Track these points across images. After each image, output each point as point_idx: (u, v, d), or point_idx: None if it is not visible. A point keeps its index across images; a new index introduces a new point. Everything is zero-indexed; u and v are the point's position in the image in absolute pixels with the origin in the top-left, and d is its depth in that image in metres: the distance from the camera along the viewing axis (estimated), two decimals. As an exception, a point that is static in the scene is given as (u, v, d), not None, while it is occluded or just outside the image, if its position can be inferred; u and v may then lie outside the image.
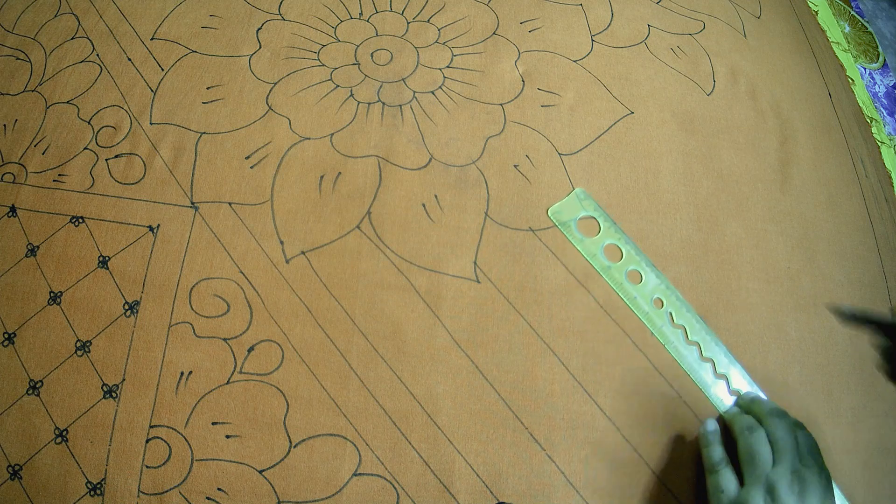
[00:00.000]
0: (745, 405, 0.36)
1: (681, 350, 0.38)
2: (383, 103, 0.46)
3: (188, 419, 0.36)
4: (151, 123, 0.45)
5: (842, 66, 0.57)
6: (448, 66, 0.48)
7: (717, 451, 0.34)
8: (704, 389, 0.38)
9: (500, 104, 0.46)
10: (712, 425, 0.35)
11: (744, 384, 0.39)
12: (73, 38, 0.49)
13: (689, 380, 0.38)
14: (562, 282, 0.40)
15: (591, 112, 0.47)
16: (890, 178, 0.51)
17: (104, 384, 0.37)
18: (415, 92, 0.46)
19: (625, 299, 0.38)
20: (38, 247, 0.40)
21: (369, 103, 0.46)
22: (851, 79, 0.56)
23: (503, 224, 0.42)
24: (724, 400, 0.38)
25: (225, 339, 0.38)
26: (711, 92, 0.50)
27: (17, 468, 0.36)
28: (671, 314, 0.38)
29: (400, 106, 0.46)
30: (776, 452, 0.32)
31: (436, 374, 0.38)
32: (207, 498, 0.35)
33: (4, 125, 0.45)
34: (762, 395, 0.39)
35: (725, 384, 0.38)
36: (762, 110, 0.49)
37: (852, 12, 0.66)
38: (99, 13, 0.51)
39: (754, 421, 0.34)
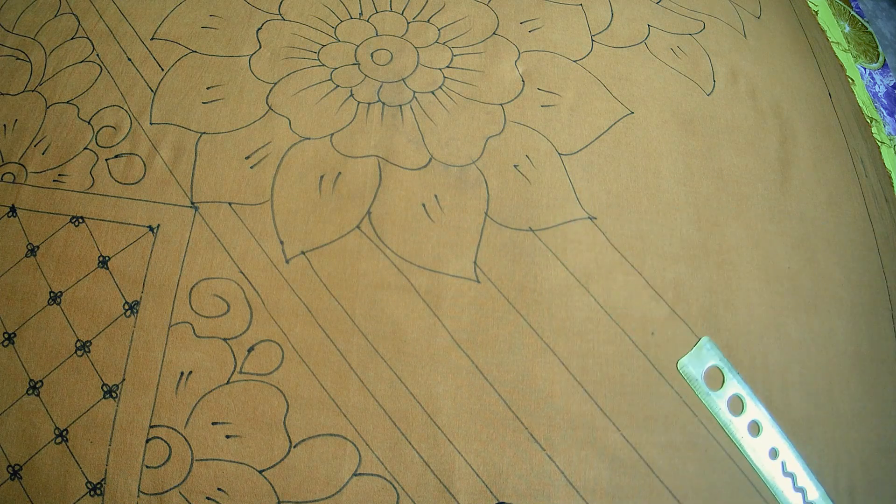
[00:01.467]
0: None
1: (789, 496, 0.38)
2: (383, 103, 0.46)
3: (188, 419, 0.36)
4: (151, 123, 0.45)
5: (842, 66, 0.57)
6: (448, 66, 0.48)
7: None
8: None
9: (500, 104, 0.46)
10: None
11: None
12: (73, 38, 0.49)
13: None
14: (562, 282, 0.40)
15: (591, 112, 0.47)
16: (890, 178, 0.51)
17: (104, 384, 0.37)
18: (415, 92, 0.46)
19: (747, 455, 0.38)
20: (38, 247, 0.40)
21: (369, 103, 0.46)
22: (851, 79, 0.56)
23: (503, 224, 0.42)
24: None
25: (225, 339, 0.38)
26: (711, 92, 0.50)
27: (17, 468, 0.36)
28: (784, 463, 0.38)
29: (400, 106, 0.46)
30: None
31: (436, 374, 0.38)
32: (207, 498, 0.35)
33: (4, 125, 0.45)
34: None
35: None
36: (762, 110, 0.49)
37: (852, 12, 0.66)
38: (99, 13, 0.51)
39: None
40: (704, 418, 0.38)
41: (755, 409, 0.40)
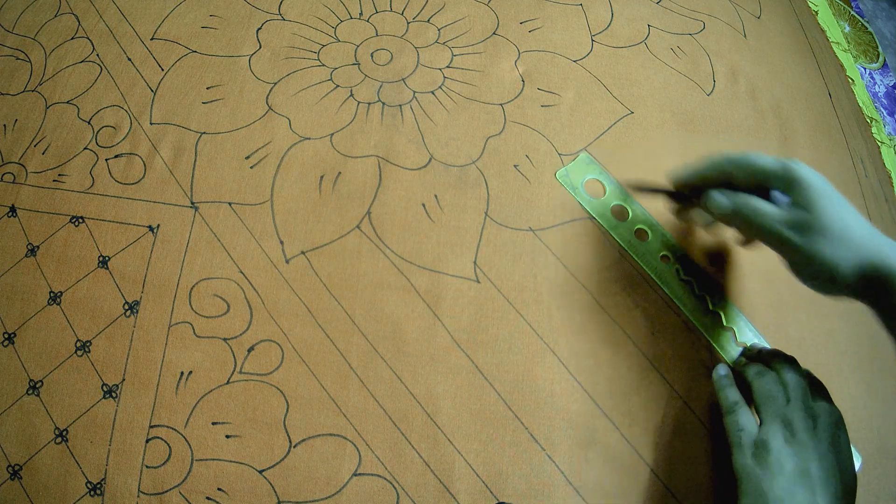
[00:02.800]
0: (753, 354, 0.38)
1: (688, 303, 0.39)
2: (383, 103, 0.46)
3: (188, 419, 0.36)
4: (151, 123, 0.45)
5: (842, 66, 0.57)
6: (448, 66, 0.48)
7: (732, 393, 0.36)
8: (713, 340, 0.39)
9: (500, 104, 0.46)
10: (724, 370, 0.37)
11: (749, 336, 0.40)
12: (73, 38, 0.49)
13: (695, 335, 0.39)
14: (562, 282, 0.40)
15: (591, 112, 0.47)
16: (890, 178, 0.51)
17: (104, 384, 0.37)
18: (415, 92, 0.46)
19: (634, 256, 0.39)
20: (38, 247, 0.40)
21: (369, 103, 0.46)
22: (851, 79, 0.56)
23: (503, 224, 0.42)
24: (731, 350, 0.39)
25: (225, 339, 0.38)
26: (711, 92, 0.50)
27: (17, 468, 0.36)
28: (678, 269, 0.39)
29: (400, 106, 0.46)
30: (788, 392, 0.34)
31: (436, 374, 0.38)
32: (207, 498, 0.35)
33: (4, 125, 0.45)
34: (767, 345, 0.40)
35: (732, 336, 0.39)
36: (762, 110, 0.49)
37: (852, 12, 0.66)
38: (99, 13, 0.51)
39: (764, 367, 0.36)
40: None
41: (641, 215, 0.41)
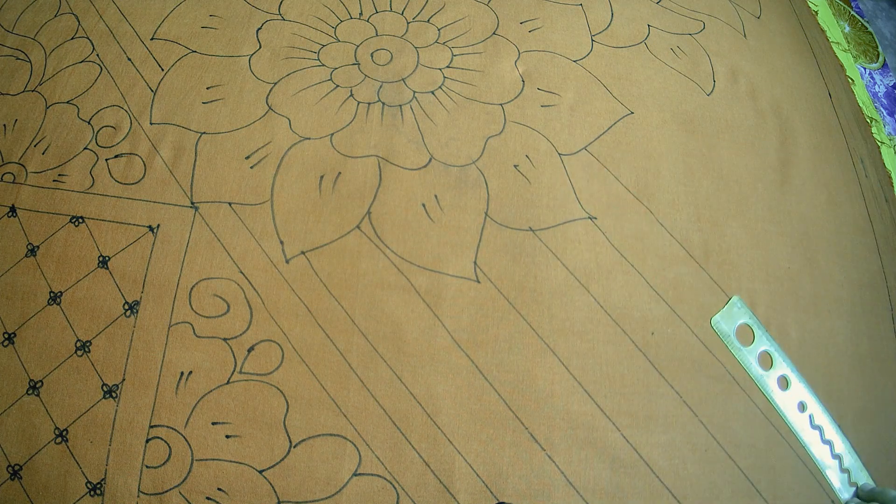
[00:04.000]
0: (866, 495, 0.39)
1: (814, 451, 0.40)
2: (383, 103, 0.46)
3: (188, 419, 0.36)
4: (151, 123, 0.45)
5: (842, 66, 0.57)
6: (448, 66, 0.48)
7: None
8: (832, 486, 0.40)
9: (500, 104, 0.46)
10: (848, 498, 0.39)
11: (860, 476, 0.40)
12: (73, 38, 0.49)
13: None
14: (562, 282, 0.40)
15: (591, 112, 0.47)
16: (890, 178, 0.51)
17: (104, 384, 0.37)
18: (415, 92, 0.46)
19: (775, 404, 0.40)
20: (38, 247, 0.40)
21: (369, 103, 0.46)
22: (851, 79, 0.56)
23: (503, 224, 0.42)
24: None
25: (225, 339, 0.38)
26: (711, 92, 0.50)
27: (17, 468, 0.36)
28: (812, 416, 0.40)
29: (400, 106, 0.46)
30: None
31: (436, 374, 0.38)
32: (207, 498, 0.35)
33: (4, 125, 0.45)
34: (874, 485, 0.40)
35: (847, 477, 0.40)
36: (762, 110, 0.49)
37: (852, 12, 0.66)
38: (99, 13, 0.51)
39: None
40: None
41: (783, 365, 0.41)
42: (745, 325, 0.41)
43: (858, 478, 0.40)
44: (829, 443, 0.40)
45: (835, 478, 0.39)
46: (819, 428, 0.40)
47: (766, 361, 0.41)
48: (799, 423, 0.40)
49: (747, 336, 0.41)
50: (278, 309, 0.39)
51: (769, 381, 0.40)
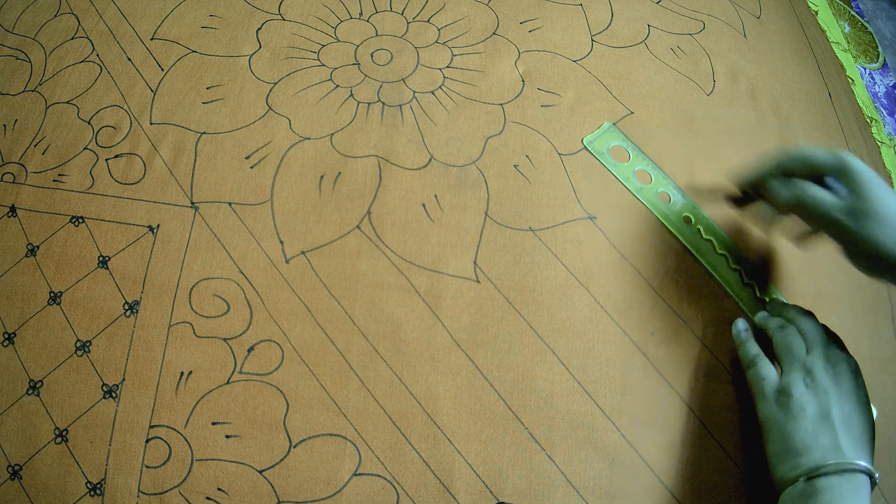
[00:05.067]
0: (774, 310, 0.40)
1: (712, 261, 0.41)
2: (383, 103, 0.46)
3: (188, 419, 0.36)
4: (151, 123, 0.45)
5: (842, 66, 0.57)
6: (448, 66, 0.48)
7: (752, 346, 0.38)
8: (735, 295, 0.41)
9: (500, 104, 0.46)
10: (743, 324, 0.39)
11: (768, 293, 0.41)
12: (73, 38, 0.49)
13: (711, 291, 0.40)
14: (562, 282, 0.40)
15: (591, 112, 0.47)
16: (890, 178, 0.51)
17: (104, 384, 0.37)
18: (415, 92, 0.46)
19: (659, 217, 0.41)
20: (38, 247, 0.40)
21: (369, 103, 0.46)
22: (851, 79, 0.56)
23: (503, 224, 0.42)
24: (752, 307, 0.41)
25: (225, 339, 0.38)
26: (711, 92, 0.50)
27: (17, 468, 0.36)
28: (700, 230, 0.41)
29: (400, 106, 0.46)
30: (808, 343, 0.36)
31: (436, 374, 0.38)
32: (207, 498, 0.35)
33: (4, 125, 0.45)
34: (785, 301, 0.41)
35: (753, 291, 0.41)
36: (762, 110, 0.49)
37: (852, 12, 0.66)
38: (99, 13, 0.51)
39: (784, 321, 0.38)
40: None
41: (663, 181, 0.42)
42: (619, 146, 0.42)
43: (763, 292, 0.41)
44: (723, 255, 0.41)
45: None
46: (709, 241, 0.41)
47: (645, 177, 0.42)
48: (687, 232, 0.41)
49: (622, 155, 0.43)
50: (278, 309, 0.39)
51: (651, 193, 0.41)
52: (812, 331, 0.36)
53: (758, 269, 0.41)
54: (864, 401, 0.34)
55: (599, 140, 0.42)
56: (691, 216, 0.41)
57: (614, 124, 0.42)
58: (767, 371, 0.36)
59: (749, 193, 0.40)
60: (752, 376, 0.36)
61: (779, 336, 0.37)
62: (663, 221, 0.41)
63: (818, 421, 0.33)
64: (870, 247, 0.33)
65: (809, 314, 0.38)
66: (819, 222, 0.35)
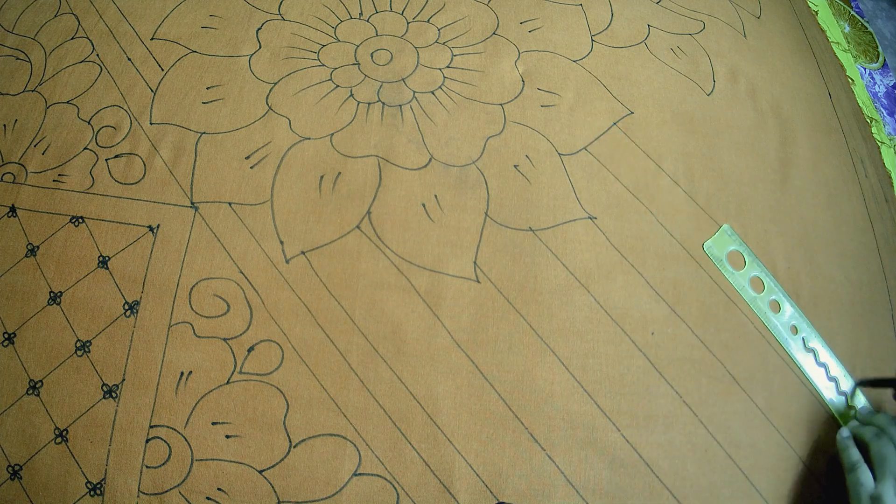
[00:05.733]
0: (865, 418, 0.41)
1: (811, 373, 0.41)
2: (383, 103, 0.46)
3: (188, 419, 0.36)
4: (151, 123, 0.45)
5: (842, 66, 0.57)
6: (448, 66, 0.48)
7: (854, 453, 0.39)
8: (831, 410, 0.41)
9: (500, 104, 0.46)
10: (846, 432, 0.40)
11: (861, 401, 0.42)
12: (73, 38, 0.49)
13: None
14: (562, 282, 0.40)
15: (591, 112, 0.47)
16: (890, 178, 0.51)
17: (104, 384, 0.37)
18: (415, 92, 0.46)
19: (768, 326, 0.42)
20: (38, 247, 0.40)
21: (369, 103, 0.46)
22: (851, 79, 0.56)
23: (503, 224, 0.42)
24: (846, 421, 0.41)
25: (225, 339, 0.38)
26: (711, 92, 0.50)
27: (17, 468, 0.36)
28: (804, 339, 0.42)
29: (400, 106, 0.46)
30: None
31: (436, 374, 0.38)
32: (207, 498, 0.35)
33: (4, 125, 0.45)
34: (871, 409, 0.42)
35: (845, 400, 0.42)
36: (762, 110, 0.49)
37: (852, 12, 0.66)
38: (99, 13, 0.51)
39: (879, 430, 0.39)
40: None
41: (774, 289, 0.43)
42: (736, 251, 0.43)
43: (857, 402, 0.42)
44: (823, 365, 0.42)
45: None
46: (813, 350, 0.42)
47: (758, 286, 0.43)
48: (800, 357, 0.42)
49: (738, 262, 0.43)
50: (278, 309, 0.39)
51: (762, 303, 0.42)
52: None
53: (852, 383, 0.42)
54: None
55: (718, 245, 0.43)
56: (797, 327, 0.42)
57: (731, 227, 0.43)
58: (866, 479, 0.38)
59: None
60: (852, 481, 0.38)
61: (875, 446, 0.38)
62: (771, 331, 0.41)
63: None
64: None
65: None
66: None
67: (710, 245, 0.42)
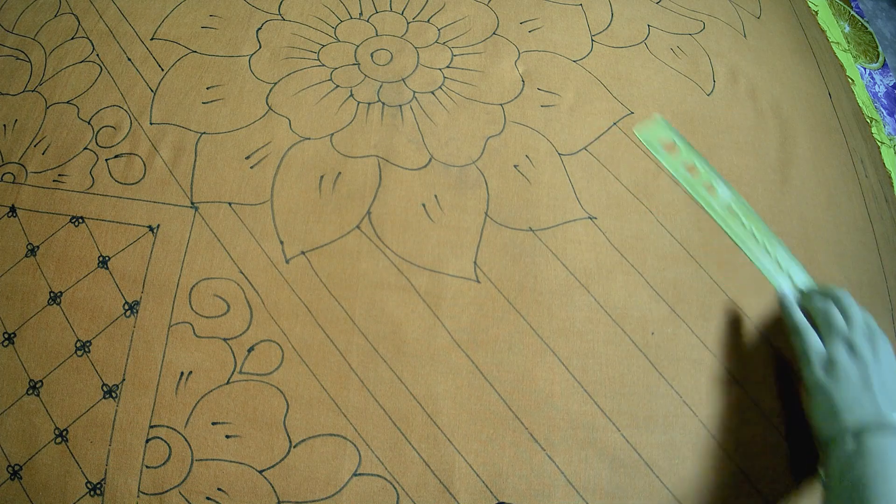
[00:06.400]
0: (812, 290, 0.42)
1: (751, 247, 0.43)
2: (383, 103, 0.46)
3: (188, 419, 0.36)
4: (151, 123, 0.45)
5: (842, 66, 0.57)
6: (448, 66, 0.48)
7: (799, 315, 0.40)
8: (772, 281, 0.43)
9: (500, 104, 0.46)
10: (790, 292, 0.42)
11: (803, 280, 0.43)
12: (73, 38, 0.49)
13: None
14: (562, 282, 0.40)
15: (591, 112, 0.47)
16: (890, 178, 0.51)
17: (104, 384, 0.37)
18: (415, 92, 0.46)
19: (706, 208, 0.43)
20: (38, 247, 0.40)
21: (369, 103, 0.46)
22: (851, 79, 0.56)
23: (503, 224, 0.42)
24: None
25: (225, 339, 0.38)
26: (711, 92, 0.50)
27: (17, 468, 0.36)
28: (742, 218, 0.43)
29: (400, 106, 0.46)
30: (846, 316, 0.38)
31: (436, 374, 0.38)
32: (207, 498, 0.35)
33: (4, 125, 0.45)
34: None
35: (789, 279, 0.43)
36: (762, 110, 0.49)
37: (852, 12, 0.66)
38: (99, 13, 0.51)
39: (824, 296, 0.40)
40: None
41: (709, 172, 0.45)
42: (669, 138, 0.45)
43: (799, 281, 0.43)
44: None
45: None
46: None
47: (693, 171, 0.45)
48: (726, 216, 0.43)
49: (672, 149, 0.45)
50: (278, 309, 0.39)
51: (699, 186, 0.44)
52: (850, 304, 0.39)
53: (794, 258, 0.44)
54: None
55: (651, 132, 0.44)
56: (734, 206, 0.43)
57: (664, 118, 0.44)
58: (815, 341, 0.38)
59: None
60: (799, 343, 0.38)
61: (821, 310, 0.39)
62: (710, 213, 0.43)
63: (860, 386, 0.35)
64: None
65: (846, 293, 0.40)
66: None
67: (642, 129, 0.44)
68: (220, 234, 0.41)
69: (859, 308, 0.39)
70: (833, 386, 0.36)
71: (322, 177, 0.43)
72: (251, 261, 0.40)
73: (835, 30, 0.60)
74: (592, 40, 0.51)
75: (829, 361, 0.37)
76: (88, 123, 0.45)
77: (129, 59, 0.48)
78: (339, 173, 0.43)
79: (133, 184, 0.42)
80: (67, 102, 0.46)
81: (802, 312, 0.40)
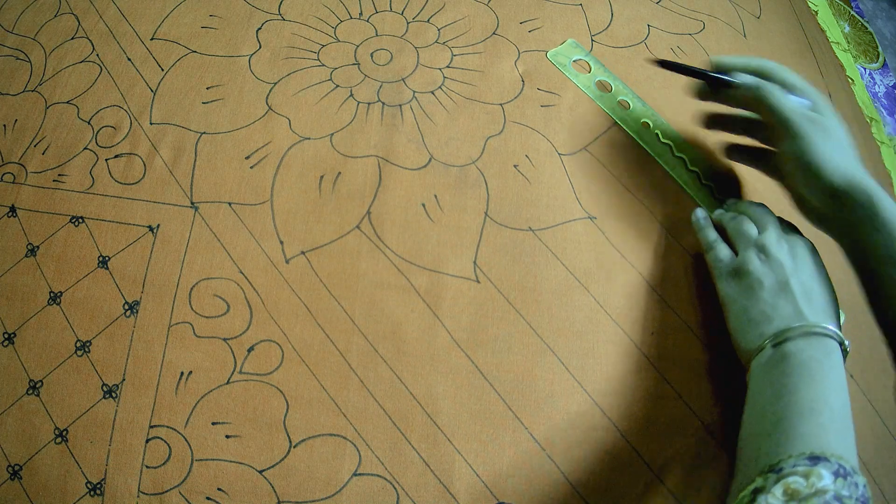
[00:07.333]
0: (730, 207, 0.41)
1: (670, 162, 0.44)
2: (383, 103, 0.46)
3: (188, 419, 0.36)
4: (151, 123, 0.45)
5: (842, 66, 0.57)
6: (448, 66, 0.48)
7: (711, 232, 0.40)
8: (694, 195, 0.43)
9: (500, 104, 0.46)
10: (702, 212, 0.41)
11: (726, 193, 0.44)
12: (73, 38, 0.49)
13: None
14: (562, 282, 0.41)
15: (591, 112, 0.47)
16: (890, 177, 0.51)
17: (104, 384, 0.37)
18: (415, 92, 0.46)
19: (617, 120, 0.44)
20: (38, 247, 0.40)
21: (369, 103, 0.46)
22: (851, 79, 0.56)
23: (503, 224, 0.42)
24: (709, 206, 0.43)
25: (225, 339, 0.38)
26: (711, 92, 0.49)
27: (17, 468, 0.36)
28: (658, 134, 0.43)
29: (400, 106, 0.46)
30: (760, 226, 0.37)
31: (436, 374, 0.38)
32: (207, 498, 0.35)
33: (4, 125, 0.45)
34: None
35: (711, 191, 0.44)
36: (762, 110, 0.49)
37: (852, 12, 0.66)
38: (99, 13, 0.51)
39: (735, 213, 0.40)
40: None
41: (622, 89, 0.46)
42: (582, 60, 0.46)
43: (721, 192, 0.44)
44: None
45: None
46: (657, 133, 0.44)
47: (606, 87, 0.46)
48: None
49: (584, 68, 0.47)
50: (278, 309, 0.39)
51: (612, 101, 0.45)
52: (763, 214, 0.38)
53: (715, 172, 0.44)
54: (824, 275, 0.36)
55: (562, 54, 0.46)
56: (650, 122, 0.43)
57: (576, 41, 0.46)
58: (724, 253, 0.37)
59: (715, 80, 0.41)
60: (710, 259, 0.38)
61: (732, 223, 0.38)
62: (622, 126, 0.43)
63: (776, 292, 0.34)
64: (814, 159, 0.34)
65: (761, 204, 0.39)
66: (773, 118, 0.36)
67: (555, 53, 0.46)
68: (220, 234, 0.41)
69: (772, 213, 0.38)
70: (746, 295, 0.34)
71: (322, 177, 0.43)
72: (251, 261, 0.40)
73: (835, 30, 0.60)
74: (592, 40, 0.51)
75: (740, 271, 0.36)
76: (88, 123, 0.45)
77: (129, 59, 0.48)
78: (339, 173, 0.43)
79: (133, 184, 0.42)
80: (67, 102, 0.46)
81: (716, 229, 0.40)
